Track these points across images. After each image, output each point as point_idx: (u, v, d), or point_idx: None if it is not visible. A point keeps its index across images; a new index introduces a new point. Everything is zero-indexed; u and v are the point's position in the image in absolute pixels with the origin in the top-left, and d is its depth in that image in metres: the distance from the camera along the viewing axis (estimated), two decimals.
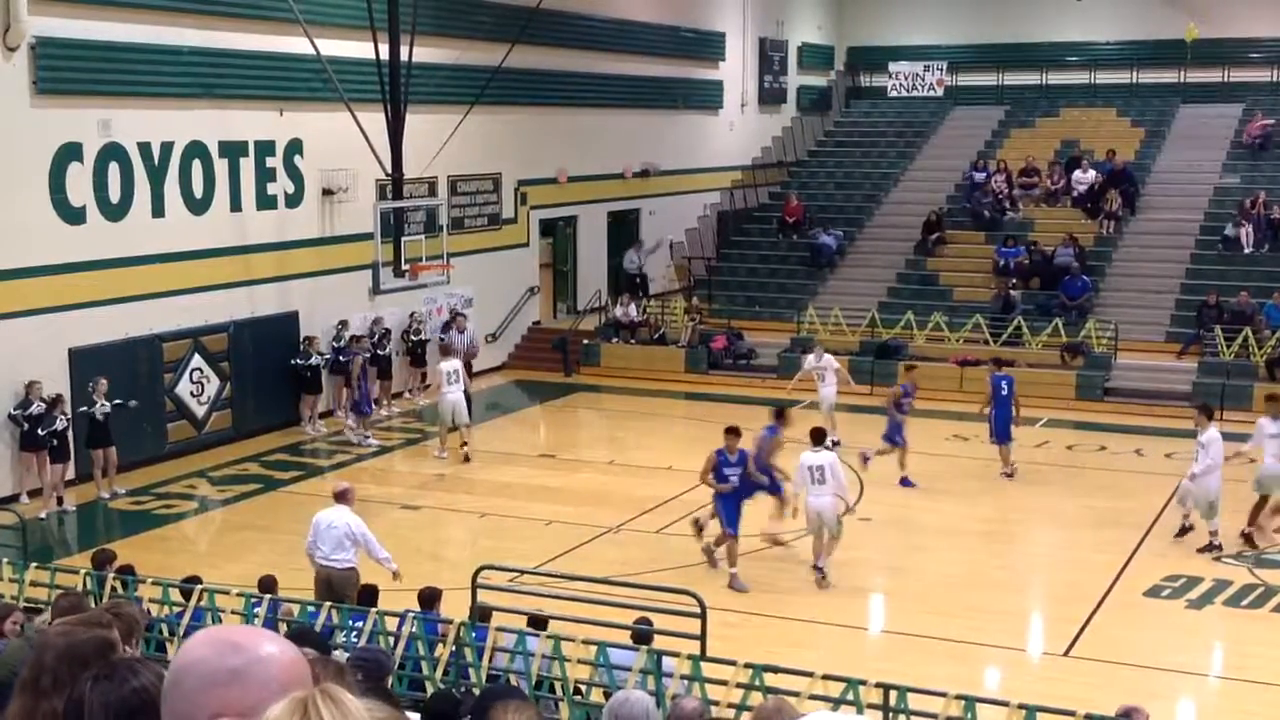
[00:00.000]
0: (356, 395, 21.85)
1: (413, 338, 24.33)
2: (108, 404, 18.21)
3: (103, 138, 18.90)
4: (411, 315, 24.48)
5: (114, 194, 19.13)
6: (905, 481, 18.94)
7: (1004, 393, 19.28)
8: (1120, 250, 28.61)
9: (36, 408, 17.51)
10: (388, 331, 23.59)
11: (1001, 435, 19.39)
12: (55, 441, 17.63)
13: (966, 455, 20.66)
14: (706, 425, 21.94)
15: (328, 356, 22.13)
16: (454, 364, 20.75)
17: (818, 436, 15.49)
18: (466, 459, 20.24)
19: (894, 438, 19.13)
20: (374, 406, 22.41)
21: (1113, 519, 17.44)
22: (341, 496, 12.73)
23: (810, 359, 21.87)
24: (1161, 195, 30.14)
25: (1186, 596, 14.59)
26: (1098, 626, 13.68)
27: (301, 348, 21.81)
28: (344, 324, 22.70)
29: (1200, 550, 15.84)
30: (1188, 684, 12.62)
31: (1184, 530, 16.37)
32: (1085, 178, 30.14)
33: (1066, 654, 13.03)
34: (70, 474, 18.30)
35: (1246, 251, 27.43)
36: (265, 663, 2.14)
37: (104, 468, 18.34)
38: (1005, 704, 8.63)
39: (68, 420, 17.81)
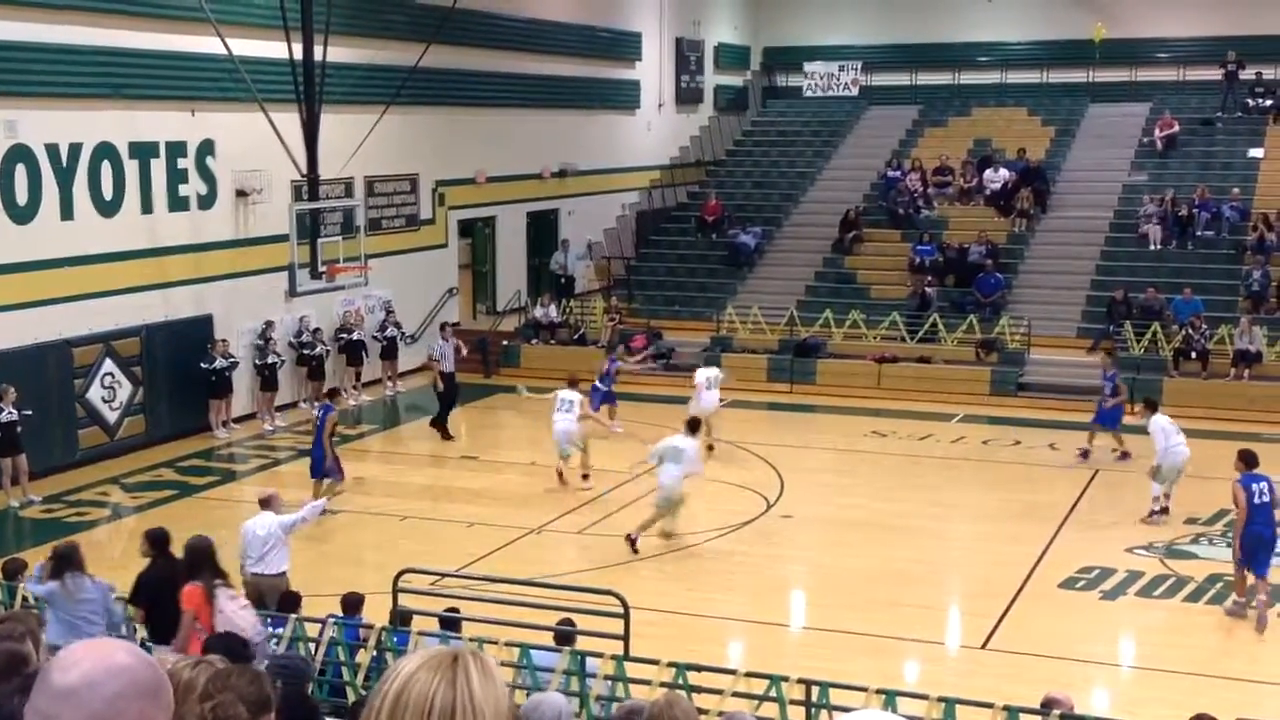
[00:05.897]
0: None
1: (345, 335, 24.25)
2: (15, 412, 17.81)
3: (8, 139, 18.50)
4: (345, 313, 24.32)
5: (20, 196, 18.73)
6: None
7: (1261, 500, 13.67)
8: (1032, 248, 29.05)
9: None
10: (317, 330, 23.43)
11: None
12: None
13: (884, 451, 20.88)
14: (626, 424, 22.00)
15: (236, 360, 21.85)
16: (571, 394, 19.02)
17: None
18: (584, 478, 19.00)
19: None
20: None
21: (1027, 512, 17.71)
22: (267, 503, 12.70)
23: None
24: (1072, 193, 30.62)
25: (1100, 588, 14.85)
26: (1014, 619, 13.88)
27: (208, 351, 21.48)
28: (270, 324, 22.54)
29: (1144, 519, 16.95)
30: (1103, 674, 12.86)
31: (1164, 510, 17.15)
32: (997, 176, 30.55)
33: (984, 646, 13.22)
34: None
35: (1154, 248, 27.98)
36: (168, 682, 2.23)
37: (14, 476, 17.95)
38: (925, 697, 8.74)
39: None
